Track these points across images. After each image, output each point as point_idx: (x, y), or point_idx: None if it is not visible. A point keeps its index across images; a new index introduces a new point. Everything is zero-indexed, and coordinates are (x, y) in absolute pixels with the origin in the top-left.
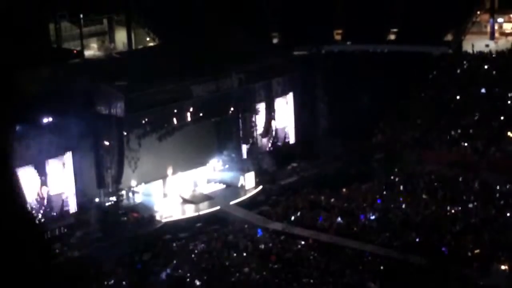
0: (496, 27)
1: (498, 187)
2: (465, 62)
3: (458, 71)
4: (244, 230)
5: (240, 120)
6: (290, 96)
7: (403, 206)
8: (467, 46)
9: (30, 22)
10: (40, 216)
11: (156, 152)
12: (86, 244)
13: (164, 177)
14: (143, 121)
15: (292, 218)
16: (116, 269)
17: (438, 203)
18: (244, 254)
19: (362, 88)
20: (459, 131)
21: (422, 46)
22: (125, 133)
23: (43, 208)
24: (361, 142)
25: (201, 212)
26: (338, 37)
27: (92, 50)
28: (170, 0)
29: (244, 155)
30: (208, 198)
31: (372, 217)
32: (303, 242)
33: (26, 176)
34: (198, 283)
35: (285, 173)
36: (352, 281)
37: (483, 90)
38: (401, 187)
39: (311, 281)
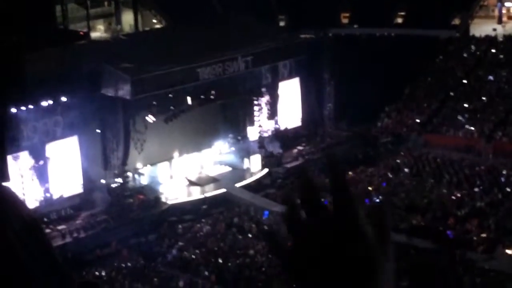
0: (504, 11)
1: (504, 172)
2: (472, 46)
3: (465, 55)
4: (249, 213)
5: (246, 103)
6: (296, 79)
7: (409, 190)
8: (474, 30)
9: (37, 4)
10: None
11: (162, 134)
12: (91, 225)
13: (170, 159)
14: (149, 103)
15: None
16: (122, 250)
17: (443, 187)
18: (250, 236)
19: (369, 71)
20: (465, 115)
21: (429, 30)
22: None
23: (48, 190)
24: (367, 125)
25: (207, 195)
26: (345, 21)
27: (98, 32)
28: None
29: (250, 138)
30: (213, 180)
31: (377, 201)
32: None
33: (31, 158)
34: (203, 265)
35: (290, 156)
36: None
37: (490, 74)
38: (407, 171)
39: None
